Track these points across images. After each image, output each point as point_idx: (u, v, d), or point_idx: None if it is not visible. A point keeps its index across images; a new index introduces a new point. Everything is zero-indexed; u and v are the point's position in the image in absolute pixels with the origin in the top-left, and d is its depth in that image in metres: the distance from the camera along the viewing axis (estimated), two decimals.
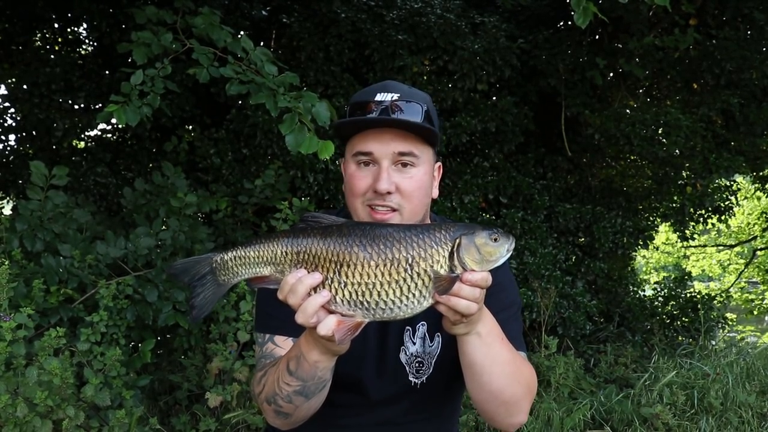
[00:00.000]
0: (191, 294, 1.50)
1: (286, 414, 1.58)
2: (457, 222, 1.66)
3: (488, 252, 1.34)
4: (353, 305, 1.35)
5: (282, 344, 1.68)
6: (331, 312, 1.36)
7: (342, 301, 1.35)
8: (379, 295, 1.33)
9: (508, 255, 1.38)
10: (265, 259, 1.42)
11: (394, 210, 1.60)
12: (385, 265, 1.32)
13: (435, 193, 1.74)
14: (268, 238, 1.43)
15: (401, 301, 1.34)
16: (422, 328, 1.73)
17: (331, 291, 1.35)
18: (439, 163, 1.76)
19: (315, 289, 1.35)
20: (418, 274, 1.33)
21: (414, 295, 1.33)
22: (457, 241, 1.34)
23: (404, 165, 1.61)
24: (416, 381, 1.73)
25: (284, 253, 1.40)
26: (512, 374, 1.56)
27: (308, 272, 1.36)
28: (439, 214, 2.32)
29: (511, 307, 1.76)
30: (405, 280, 1.32)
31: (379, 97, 1.62)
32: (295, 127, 3.46)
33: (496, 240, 1.35)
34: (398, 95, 1.63)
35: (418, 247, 1.33)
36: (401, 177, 1.60)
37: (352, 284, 1.34)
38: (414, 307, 1.35)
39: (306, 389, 1.51)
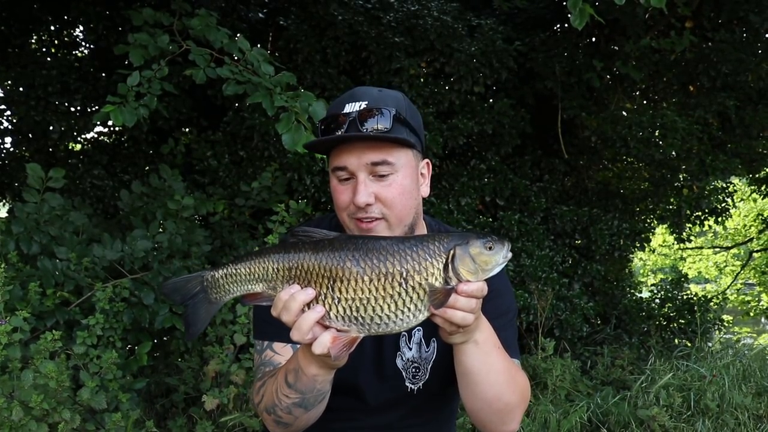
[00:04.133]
0: (185, 313, 1.48)
1: (286, 424, 1.57)
2: (450, 231, 1.65)
3: (483, 261, 1.32)
4: (348, 321, 1.32)
5: (281, 351, 1.67)
6: (326, 327, 1.34)
7: (336, 316, 1.32)
8: (373, 310, 1.31)
9: (505, 262, 1.36)
10: (256, 275, 1.39)
11: (377, 218, 1.58)
12: (379, 280, 1.30)
13: (425, 192, 1.71)
14: (259, 254, 1.40)
15: (396, 316, 1.31)
16: (418, 333, 1.72)
17: (325, 306, 1.32)
18: (427, 160, 1.72)
19: (309, 304, 1.33)
20: (413, 288, 1.30)
21: (409, 309, 1.31)
22: (452, 252, 1.31)
23: (381, 175, 1.58)
24: (413, 387, 1.72)
25: (276, 269, 1.37)
26: (507, 383, 1.55)
27: (301, 288, 1.34)
28: (435, 216, 2.32)
29: (507, 314, 1.75)
30: (400, 294, 1.30)
31: (347, 108, 1.59)
32: (292, 125, 3.46)
33: (491, 248, 1.33)
34: (365, 103, 1.59)
35: (412, 260, 1.30)
36: (380, 186, 1.58)
37: (346, 300, 1.31)
38: (410, 321, 1.32)
39: (305, 401, 1.51)
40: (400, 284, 1.30)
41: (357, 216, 1.59)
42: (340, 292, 1.31)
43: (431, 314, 1.32)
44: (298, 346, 1.61)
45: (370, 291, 1.30)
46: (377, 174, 1.58)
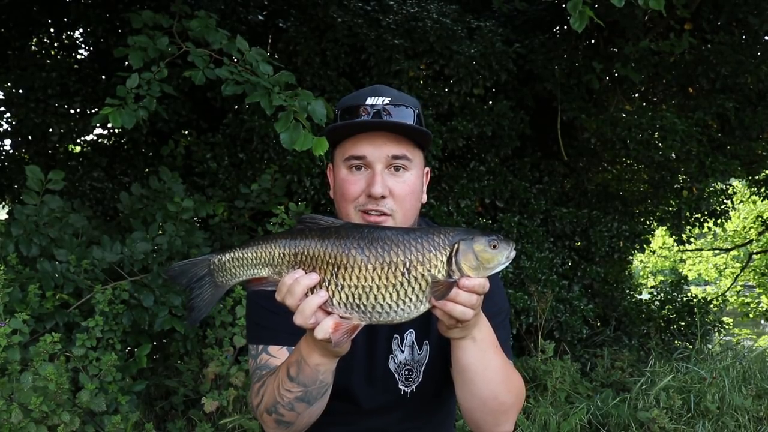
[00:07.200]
0: (189, 296, 1.48)
1: (288, 423, 1.55)
2: (457, 227, 1.65)
3: (486, 259, 1.33)
4: (350, 308, 1.33)
5: (277, 354, 1.66)
6: (329, 313, 1.34)
7: (339, 303, 1.33)
8: (375, 298, 1.31)
9: (508, 262, 1.36)
10: (262, 260, 1.41)
11: (386, 215, 1.59)
12: (382, 269, 1.31)
13: (424, 198, 1.73)
14: (265, 239, 1.42)
15: (398, 305, 1.32)
16: (410, 335, 1.71)
17: (328, 293, 1.33)
18: (428, 168, 1.75)
19: (312, 290, 1.34)
20: (416, 279, 1.31)
21: (411, 299, 1.32)
22: (456, 246, 1.32)
23: (397, 169, 1.60)
24: (407, 389, 1.71)
25: (282, 255, 1.39)
26: (503, 382, 1.55)
27: (306, 273, 1.35)
28: (435, 218, 2.32)
29: (500, 314, 1.74)
30: (402, 284, 1.31)
31: (369, 101, 1.61)
32: (290, 125, 3.46)
33: (495, 247, 1.33)
34: (389, 99, 1.62)
35: (416, 251, 1.31)
36: (394, 181, 1.59)
37: (349, 287, 1.32)
38: (411, 311, 1.33)
39: (308, 395, 1.49)
40: (402, 274, 1.31)
41: (366, 208, 1.59)
42: (344, 279, 1.32)
43: (432, 306, 1.33)
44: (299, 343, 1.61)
45: (372, 279, 1.31)
46: (393, 168, 1.59)
